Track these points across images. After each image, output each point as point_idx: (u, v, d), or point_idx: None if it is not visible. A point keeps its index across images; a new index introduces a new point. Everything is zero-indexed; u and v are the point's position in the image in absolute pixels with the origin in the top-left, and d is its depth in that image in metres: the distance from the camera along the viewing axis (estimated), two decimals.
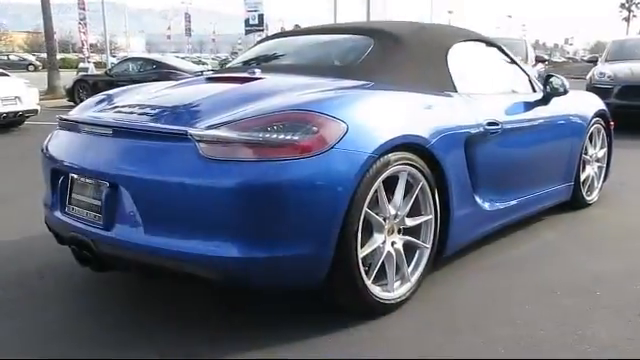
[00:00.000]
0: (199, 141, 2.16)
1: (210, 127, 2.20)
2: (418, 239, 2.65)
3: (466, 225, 2.93)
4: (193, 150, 2.16)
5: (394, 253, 2.52)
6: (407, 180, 2.52)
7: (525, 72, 3.78)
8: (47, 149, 2.79)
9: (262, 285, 2.27)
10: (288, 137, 2.16)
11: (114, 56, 35.49)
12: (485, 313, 2.55)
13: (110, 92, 3.06)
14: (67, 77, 18.56)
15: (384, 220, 2.45)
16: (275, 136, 2.15)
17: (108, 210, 2.33)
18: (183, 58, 24.90)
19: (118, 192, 2.31)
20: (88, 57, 26.70)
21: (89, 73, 16.74)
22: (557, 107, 3.74)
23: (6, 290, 2.84)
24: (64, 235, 2.57)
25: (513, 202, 3.33)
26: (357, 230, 2.30)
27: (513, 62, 3.73)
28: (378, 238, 2.45)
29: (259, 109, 2.30)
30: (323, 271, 2.25)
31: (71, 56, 48.20)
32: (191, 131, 2.17)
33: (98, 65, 25.21)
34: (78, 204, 2.49)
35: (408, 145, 2.48)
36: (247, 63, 3.46)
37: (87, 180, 2.44)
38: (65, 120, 2.72)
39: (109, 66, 20.80)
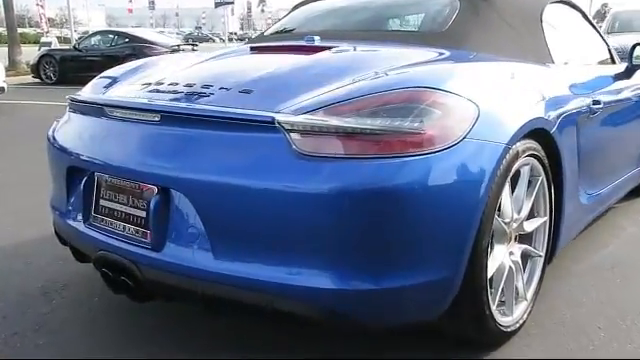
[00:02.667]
0: (291, 131, 1.58)
1: (302, 111, 1.62)
2: (532, 246, 2.15)
3: (570, 224, 2.44)
4: (282, 143, 1.58)
5: (513, 267, 2.00)
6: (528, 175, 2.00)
7: (605, 41, 3.28)
8: (55, 139, 2.17)
9: (369, 323, 1.71)
10: (411, 124, 1.59)
11: (75, 31, 34.02)
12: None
13: (129, 66, 2.43)
14: (28, 52, 17.49)
15: (506, 226, 1.93)
16: (394, 123, 1.59)
17: (158, 224, 1.73)
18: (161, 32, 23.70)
19: (173, 200, 1.72)
20: (47, 32, 25.41)
21: (54, 48, 15.64)
22: None
23: (7, 321, 2.23)
24: (89, 253, 1.97)
25: (603, 191, 2.85)
26: (488, 243, 1.78)
27: (595, 30, 3.22)
28: (500, 250, 1.92)
29: (361, 87, 1.72)
30: (448, 300, 1.72)
31: (28, 31, 45.96)
32: (280, 117, 1.59)
33: (61, 40, 23.90)
34: (110, 214, 1.88)
35: (533, 132, 1.95)
36: (289, 31, 2.85)
37: (123, 183, 1.83)
38: (82, 102, 2.09)
39: (73, 41, 19.68)
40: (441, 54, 2.14)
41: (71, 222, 2.05)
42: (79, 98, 2.11)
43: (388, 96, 1.65)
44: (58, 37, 26.41)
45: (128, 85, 2.12)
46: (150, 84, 2.03)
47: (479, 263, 1.74)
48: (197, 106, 1.72)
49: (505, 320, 1.97)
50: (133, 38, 12.91)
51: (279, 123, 1.58)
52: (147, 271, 1.76)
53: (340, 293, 1.58)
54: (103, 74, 2.42)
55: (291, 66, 2.01)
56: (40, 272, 2.68)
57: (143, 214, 1.78)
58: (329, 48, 2.18)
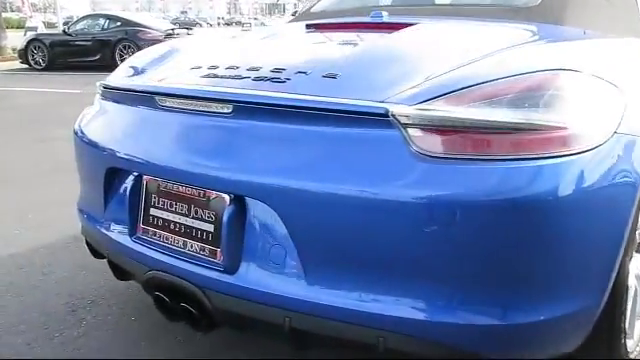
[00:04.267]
0: (408, 125, 1.25)
1: (416, 100, 1.29)
2: None
3: None
4: (395, 141, 1.25)
5: (637, 282, 1.70)
6: None
7: None
8: (86, 133, 1.82)
9: None
10: (555, 117, 1.27)
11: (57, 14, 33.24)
12: None
13: (159, 50, 2.07)
14: (13, 37, 16.86)
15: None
16: (534, 115, 1.26)
17: (231, 240, 1.40)
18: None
19: (249, 211, 1.39)
20: (31, 16, 24.70)
21: (42, 32, 15.06)
22: None
23: (34, 350, 1.89)
24: (136, 272, 1.64)
25: None
26: (630, 259, 1.47)
27: None
28: (634, 265, 1.62)
29: (481, 71, 1.39)
30: (587, 332, 1.41)
31: (11, 15, 44.82)
32: (395, 109, 1.26)
33: (47, 25, 23.23)
34: (164, 227, 1.55)
35: None
36: (344, 8, 2.50)
37: (183, 189, 1.50)
38: (122, 90, 1.74)
39: (60, 25, 19.08)
40: (549, 31, 1.81)
41: (110, 233, 1.71)
42: (118, 85, 1.76)
43: (522, 82, 1.32)
44: (43, 22, 25.64)
45: (174, 70, 1.77)
46: (199, 68, 1.69)
47: (622, 285, 1.44)
48: (285, 95, 1.38)
49: (629, 343, 1.67)
50: (126, 22, 12.41)
51: (393, 116, 1.25)
52: (217, 298, 1.43)
53: (465, 329, 1.26)
54: (133, 58, 2.06)
55: (374, 46, 1.68)
56: (62, 285, 2.34)
57: (210, 228, 1.45)
58: (406, 25, 1.84)
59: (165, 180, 1.54)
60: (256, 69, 1.57)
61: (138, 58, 2.03)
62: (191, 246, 1.49)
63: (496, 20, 1.94)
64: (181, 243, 1.51)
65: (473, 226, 1.21)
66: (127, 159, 1.61)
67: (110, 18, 12.50)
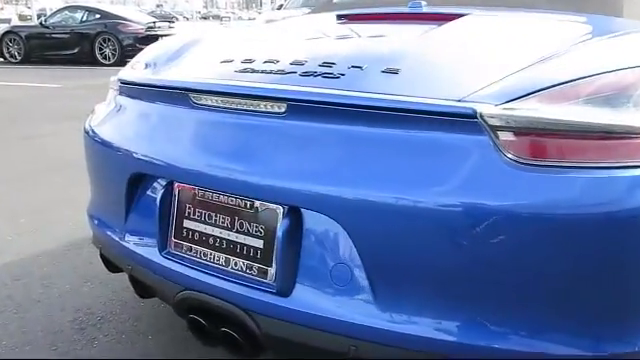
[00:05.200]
0: (498, 129, 1.09)
1: (503, 99, 1.13)
2: None
3: None
4: (484, 147, 1.09)
5: None
6: None
7: None
8: (100, 133, 1.63)
9: None
10: None
11: (29, 7, 32.50)
12: None
13: (182, 39, 1.88)
14: None
15: None
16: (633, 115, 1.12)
17: (285, 258, 1.23)
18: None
19: (305, 224, 1.22)
20: (2, 8, 24.07)
21: (17, 25, 14.59)
22: None
23: None
24: (166, 291, 1.45)
25: None
26: None
27: None
28: None
29: (570, 65, 1.24)
30: None
31: None
32: (483, 110, 1.09)
33: (20, 17, 22.63)
34: (201, 241, 1.37)
35: None
36: None
37: (224, 198, 1.32)
38: (144, 86, 1.55)
39: (34, 18, 18.58)
40: (611, 23, 1.67)
41: (134, 247, 1.52)
42: (140, 81, 1.57)
43: (625, 78, 1.17)
44: (16, 14, 24.99)
45: (202, 65, 1.59)
46: (230, 61, 1.51)
47: None
48: (354, 94, 1.20)
49: None
50: (105, 14, 12.04)
51: (482, 117, 1.09)
52: (267, 322, 1.26)
53: None
54: (149, 51, 1.87)
55: (430, 39, 1.52)
56: (65, 299, 2.14)
57: (258, 243, 1.27)
58: (457, 16, 1.68)
59: (202, 188, 1.36)
60: (300, 63, 1.40)
61: (154, 51, 1.84)
62: (235, 264, 1.31)
63: (548, 11, 1.80)
64: (222, 260, 1.33)
65: (576, 243, 1.06)
66: (155, 164, 1.43)
67: (89, 10, 12.12)
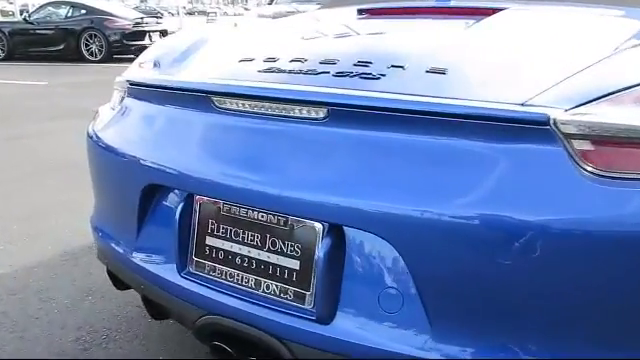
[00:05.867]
0: (574, 138, 0.97)
1: (574, 103, 1.00)
2: None
3: None
4: (558, 158, 0.97)
5: None
6: None
7: None
8: (104, 138, 1.49)
9: None
10: None
11: (11, 2, 31.93)
12: None
13: (190, 36, 1.73)
14: None
15: None
16: None
17: (326, 282, 1.10)
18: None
19: (352, 245, 1.09)
20: None
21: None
22: None
23: None
24: (185, 314, 1.32)
25: None
26: None
27: None
28: None
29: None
30: None
31: None
32: (557, 115, 0.97)
33: (2, 12, 22.19)
34: (227, 260, 1.23)
35: None
36: None
37: (254, 214, 1.18)
38: (157, 88, 1.41)
39: (17, 13, 18.22)
40: None
41: (147, 265, 1.38)
42: (152, 82, 1.43)
43: None
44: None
45: (220, 64, 1.45)
46: (251, 60, 1.37)
47: None
48: (408, 98, 1.07)
49: None
50: (91, 10, 11.76)
51: (555, 124, 0.96)
52: (304, 352, 1.13)
53: None
54: (156, 49, 1.72)
55: (472, 35, 1.40)
56: (65, 315, 1.99)
57: (294, 264, 1.14)
58: (494, 10, 1.56)
59: (228, 202, 1.22)
60: (332, 62, 1.27)
61: (162, 49, 1.69)
62: (267, 287, 1.18)
63: (583, 5, 1.68)
64: (252, 282, 1.20)
65: None
66: (173, 174, 1.29)
67: (74, 6, 11.83)
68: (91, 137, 1.57)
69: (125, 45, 11.46)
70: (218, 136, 1.26)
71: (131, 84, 1.50)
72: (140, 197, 1.37)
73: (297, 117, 1.15)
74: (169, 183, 1.31)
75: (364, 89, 1.13)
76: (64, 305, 2.06)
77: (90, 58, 11.39)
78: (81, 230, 2.71)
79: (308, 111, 1.13)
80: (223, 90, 1.24)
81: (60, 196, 3.14)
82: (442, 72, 1.16)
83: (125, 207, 1.43)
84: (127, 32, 11.41)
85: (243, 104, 1.21)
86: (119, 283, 1.57)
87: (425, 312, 1.04)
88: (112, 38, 11.36)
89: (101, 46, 11.43)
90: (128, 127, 1.48)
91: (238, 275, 1.22)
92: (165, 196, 1.35)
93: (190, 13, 57.18)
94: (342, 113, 1.09)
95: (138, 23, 11.74)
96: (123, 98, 1.56)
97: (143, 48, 11.94)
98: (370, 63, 1.23)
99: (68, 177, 3.54)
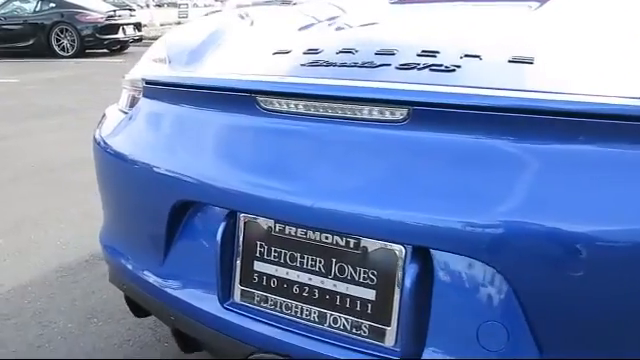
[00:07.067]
0: None
1: None
2: None
3: None
4: None
5: None
6: None
7: None
8: (116, 145, 1.29)
9: None
10: None
11: None
12: None
13: (205, 26, 1.54)
14: None
15: None
16: None
17: (411, 315, 0.92)
18: None
19: (442, 271, 0.92)
20: None
21: None
22: None
23: None
24: (229, 351, 1.13)
25: None
26: None
27: None
28: None
29: None
30: None
31: None
32: None
33: None
34: (281, 289, 1.05)
35: None
36: None
37: (315, 235, 1.00)
38: (184, 87, 1.21)
39: None
40: None
41: (178, 293, 1.19)
42: (179, 80, 1.23)
43: None
44: None
45: (253, 57, 1.26)
46: (287, 52, 1.19)
47: None
48: (510, 94, 0.89)
49: None
50: (60, 3, 11.31)
51: None
52: None
53: None
54: (169, 43, 1.52)
55: (543, 19, 1.23)
56: (71, 342, 1.79)
57: (369, 294, 0.96)
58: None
59: (281, 221, 1.03)
60: (389, 53, 1.09)
61: (178, 43, 1.49)
62: (334, 321, 1.00)
63: None
64: (315, 315, 1.02)
65: None
66: (211, 189, 1.10)
67: None
68: (99, 143, 1.37)
69: (98, 39, 11.09)
70: (264, 143, 1.07)
71: (148, 83, 1.30)
72: (169, 215, 1.17)
73: (367, 119, 0.96)
74: (206, 199, 1.12)
75: (446, 84, 0.95)
76: (67, 330, 1.85)
77: (62, 53, 10.99)
78: (74, 242, 2.51)
79: (382, 112, 0.95)
80: (272, 89, 1.05)
81: (46, 204, 2.91)
82: (529, 62, 0.99)
83: (149, 226, 1.24)
84: (100, 26, 11.04)
85: (296, 105, 1.02)
86: (139, 311, 1.38)
87: (537, 348, 0.87)
88: (84, 32, 10.98)
89: (73, 41, 11.04)
90: (147, 133, 1.28)
91: (296, 307, 1.04)
92: (200, 214, 1.16)
93: (159, 5, 56.13)
94: (428, 114, 0.91)
95: (111, 16, 11.35)
96: (136, 99, 1.36)
97: (116, 42, 11.68)
98: (437, 52, 1.07)
99: (51, 181, 3.31)
